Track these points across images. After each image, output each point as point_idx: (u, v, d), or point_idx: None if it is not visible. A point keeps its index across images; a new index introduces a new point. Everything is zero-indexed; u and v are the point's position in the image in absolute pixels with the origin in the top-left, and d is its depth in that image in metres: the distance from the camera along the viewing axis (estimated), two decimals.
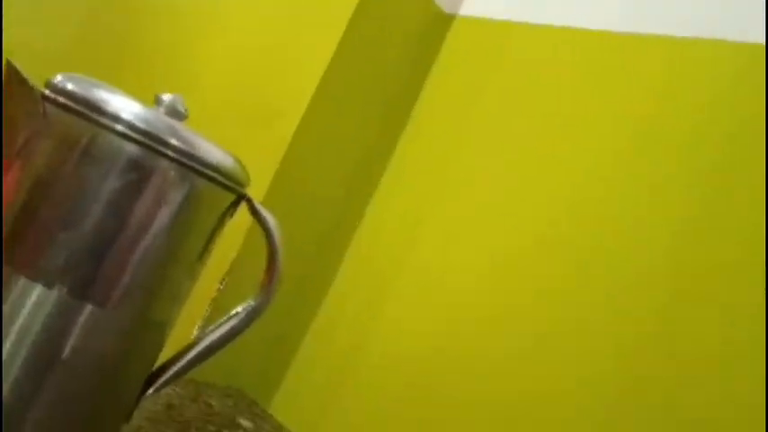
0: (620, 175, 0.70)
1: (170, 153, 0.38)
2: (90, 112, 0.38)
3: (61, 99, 0.38)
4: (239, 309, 0.44)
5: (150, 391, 0.41)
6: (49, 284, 0.37)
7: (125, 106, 0.39)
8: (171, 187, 0.39)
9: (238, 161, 0.42)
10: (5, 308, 0.37)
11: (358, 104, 0.93)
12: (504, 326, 0.75)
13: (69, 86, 0.39)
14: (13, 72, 0.38)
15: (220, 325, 0.44)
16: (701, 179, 0.65)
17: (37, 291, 0.37)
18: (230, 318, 0.44)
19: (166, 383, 0.41)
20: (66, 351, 0.37)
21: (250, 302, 0.44)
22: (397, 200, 0.95)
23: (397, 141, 0.99)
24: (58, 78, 0.40)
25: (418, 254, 0.90)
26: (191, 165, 0.39)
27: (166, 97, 0.42)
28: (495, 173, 0.83)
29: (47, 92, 0.39)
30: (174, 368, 0.42)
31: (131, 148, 0.38)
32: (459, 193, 0.89)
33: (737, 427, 0.58)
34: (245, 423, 0.75)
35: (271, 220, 0.44)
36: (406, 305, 0.87)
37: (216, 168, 0.40)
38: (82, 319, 0.37)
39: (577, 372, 0.66)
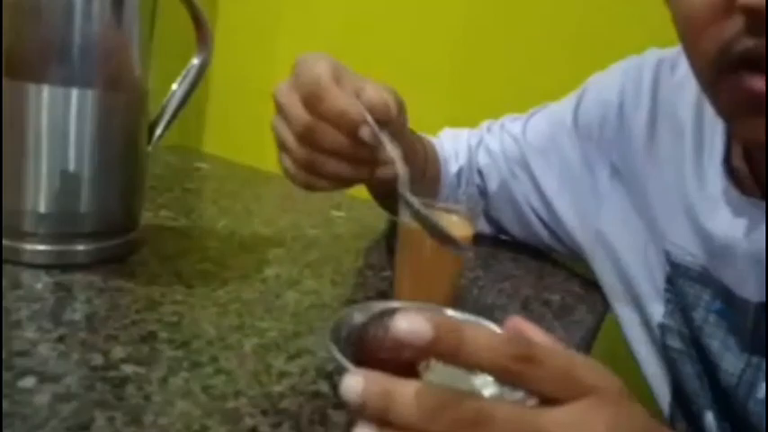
0: None
1: None
2: None
3: None
4: (188, 68, 0.58)
5: (155, 139, 0.57)
6: (53, 83, 0.49)
7: None
8: None
9: None
10: (29, 116, 0.49)
11: None
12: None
13: None
14: None
15: (181, 83, 0.58)
16: None
17: (46, 90, 0.49)
18: (186, 75, 0.58)
19: (163, 133, 0.57)
20: (86, 128, 0.51)
21: (194, 63, 0.58)
22: None
23: None
24: None
25: None
26: None
27: None
28: None
29: None
30: (165, 120, 0.57)
31: None
32: None
33: None
34: (202, 165, 0.94)
35: None
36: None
37: None
38: (94, 101, 0.51)
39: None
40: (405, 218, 0.52)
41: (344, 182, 0.51)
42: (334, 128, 0.47)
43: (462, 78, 1.02)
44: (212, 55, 0.59)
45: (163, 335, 0.45)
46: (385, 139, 0.46)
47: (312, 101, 0.47)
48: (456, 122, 0.77)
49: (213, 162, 0.98)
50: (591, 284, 0.66)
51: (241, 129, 1.17)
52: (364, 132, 0.46)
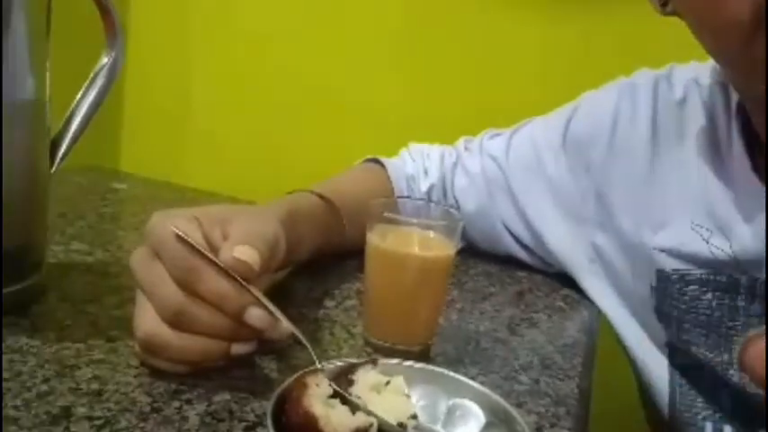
0: None
1: None
2: None
3: None
4: (96, 70, 0.48)
5: (58, 158, 0.46)
6: None
7: None
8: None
9: None
10: None
11: None
12: None
13: None
14: None
15: (88, 89, 0.47)
16: None
17: None
18: (94, 79, 0.48)
19: (68, 150, 0.46)
20: None
21: (103, 62, 0.48)
22: None
23: None
24: None
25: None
26: None
27: None
28: None
29: None
30: (69, 135, 0.46)
31: None
32: None
33: None
34: (119, 185, 0.82)
35: None
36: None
37: None
38: None
39: None
40: (377, 240, 0.44)
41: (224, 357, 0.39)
42: (215, 309, 0.37)
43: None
44: (125, 53, 0.48)
45: (80, 410, 0.35)
46: (276, 313, 0.38)
47: (186, 279, 0.37)
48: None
49: (132, 181, 0.86)
50: (571, 296, 0.61)
51: (158, 141, 1.06)
52: (252, 316, 0.37)
